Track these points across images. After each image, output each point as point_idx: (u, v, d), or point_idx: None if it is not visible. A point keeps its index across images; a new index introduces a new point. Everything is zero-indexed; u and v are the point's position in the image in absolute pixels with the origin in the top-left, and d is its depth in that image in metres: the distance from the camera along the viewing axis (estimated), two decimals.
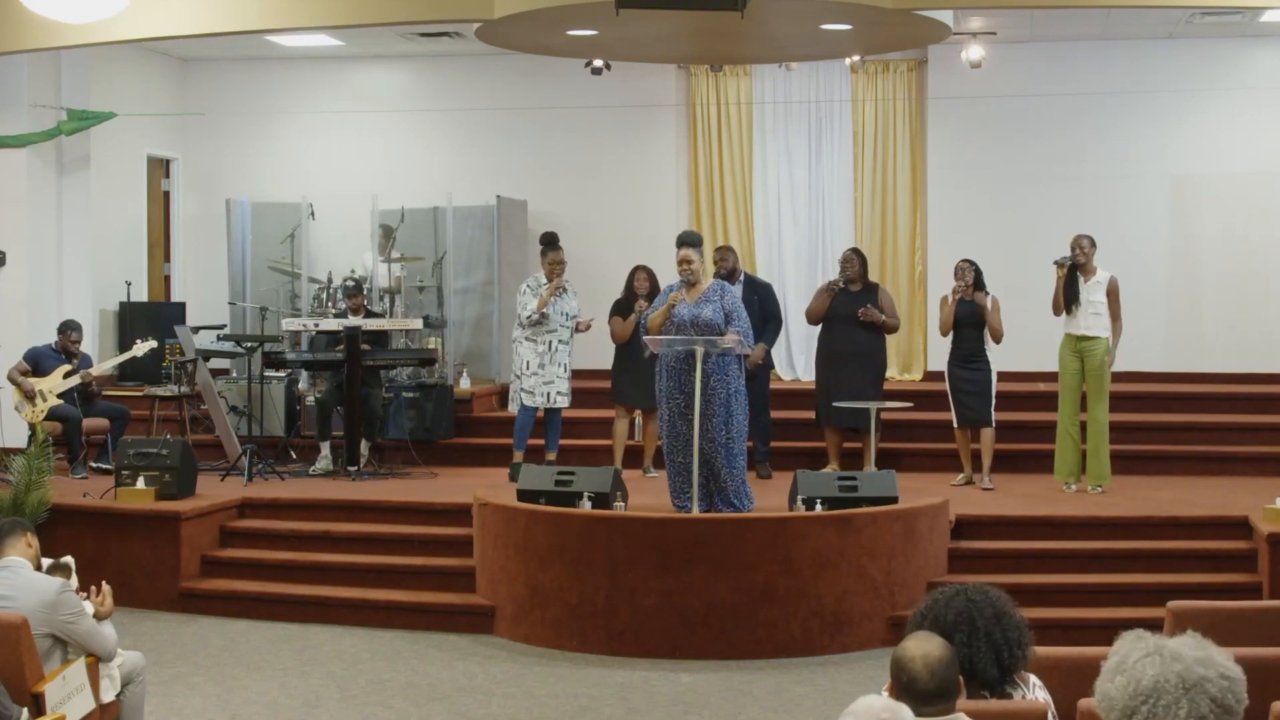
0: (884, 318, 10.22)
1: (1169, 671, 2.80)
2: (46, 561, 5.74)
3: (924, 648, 3.29)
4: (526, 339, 10.42)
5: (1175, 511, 8.97)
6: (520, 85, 13.33)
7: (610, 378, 10.61)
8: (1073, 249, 9.62)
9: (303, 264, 12.54)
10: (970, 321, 9.91)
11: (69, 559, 5.84)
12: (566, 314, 10.47)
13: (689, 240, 8.72)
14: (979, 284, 9.95)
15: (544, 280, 10.42)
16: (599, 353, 11.14)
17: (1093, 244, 9.65)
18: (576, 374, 11.16)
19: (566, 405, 10.47)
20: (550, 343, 10.37)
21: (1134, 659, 2.84)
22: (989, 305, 9.86)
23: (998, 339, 9.91)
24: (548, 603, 8.12)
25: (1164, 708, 2.77)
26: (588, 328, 10.68)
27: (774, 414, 10.68)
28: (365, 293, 11.43)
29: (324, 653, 7.99)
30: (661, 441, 8.78)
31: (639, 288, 10.34)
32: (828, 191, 13.23)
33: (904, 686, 3.25)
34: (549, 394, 10.35)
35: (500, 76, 13.36)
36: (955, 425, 10.09)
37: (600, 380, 11.07)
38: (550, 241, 10.69)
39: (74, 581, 5.67)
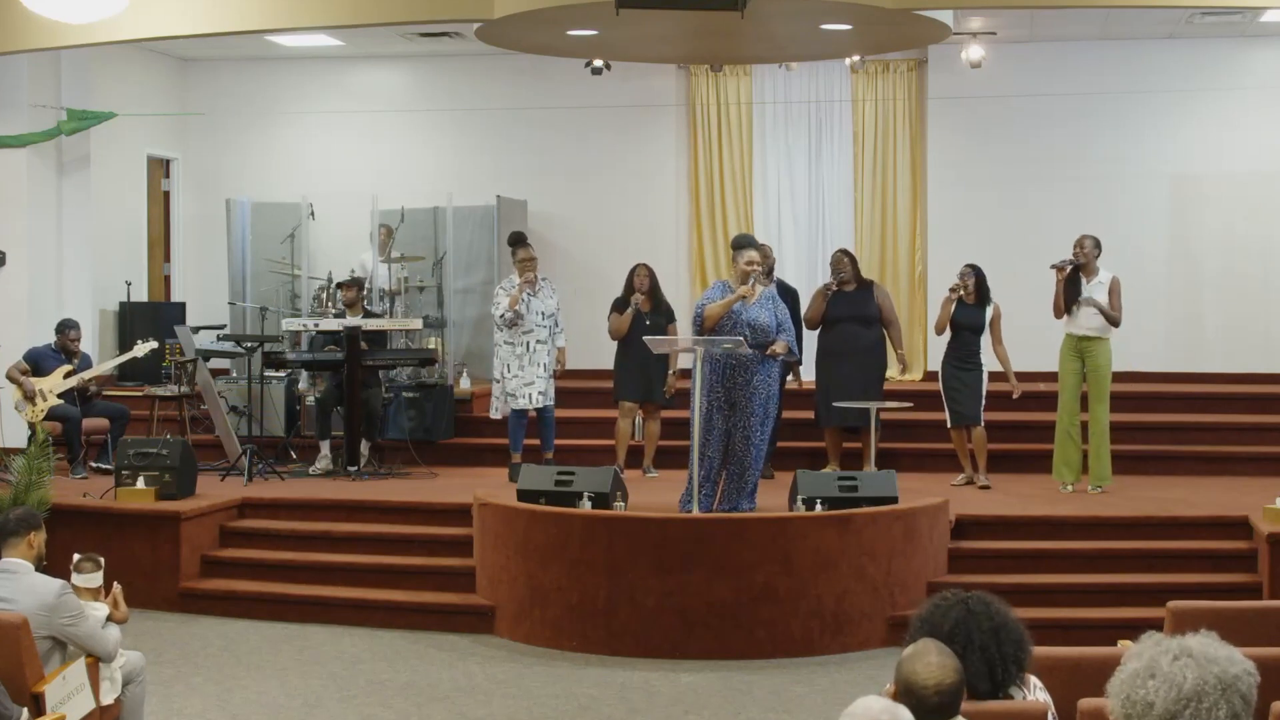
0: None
1: (1208, 674, 2.78)
2: (76, 556, 5.75)
3: (937, 676, 3.22)
4: (506, 342, 10.38)
5: (1175, 511, 8.98)
6: (520, 85, 13.32)
7: (612, 377, 10.59)
8: (1074, 249, 9.62)
9: (303, 264, 12.53)
10: (969, 325, 9.90)
11: (100, 558, 5.82)
12: (544, 313, 10.39)
13: (753, 243, 9.03)
14: (982, 291, 9.92)
15: (518, 281, 10.39)
16: (599, 352, 11.14)
17: (1096, 245, 9.64)
18: (576, 374, 11.13)
19: (548, 404, 10.41)
20: (528, 343, 10.31)
21: (1166, 663, 2.81)
22: (991, 315, 9.88)
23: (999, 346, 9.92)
24: (548, 603, 8.12)
25: (1206, 710, 2.75)
26: (562, 368, 10.63)
27: None
28: (365, 292, 11.41)
29: (324, 653, 7.99)
30: (693, 437, 8.59)
31: (638, 284, 10.34)
32: (828, 191, 13.23)
33: (910, 706, 3.23)
34: (530, 394, 10.30)
35: (500, 76, 13.35)
36: (949, 425, 10.10)
37: (599, 380, 11.05)
38: (518, 240, 10.64)
39: (98, 578, 5.68)
